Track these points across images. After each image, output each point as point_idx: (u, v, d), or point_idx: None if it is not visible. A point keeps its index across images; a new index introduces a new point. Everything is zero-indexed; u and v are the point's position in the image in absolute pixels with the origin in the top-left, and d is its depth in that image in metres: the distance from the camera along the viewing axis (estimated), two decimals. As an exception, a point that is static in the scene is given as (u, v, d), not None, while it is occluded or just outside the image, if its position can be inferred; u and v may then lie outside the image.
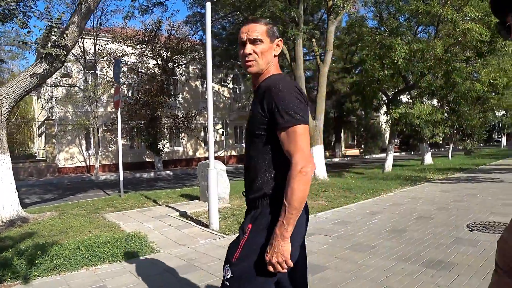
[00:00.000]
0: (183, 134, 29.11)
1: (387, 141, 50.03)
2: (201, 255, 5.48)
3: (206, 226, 7.37)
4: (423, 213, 7.99)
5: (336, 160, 34.98)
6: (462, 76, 19.69)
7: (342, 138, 43.13)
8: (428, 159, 22.48)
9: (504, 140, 45.00)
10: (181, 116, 26.10)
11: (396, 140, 49.33)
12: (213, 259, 5.22)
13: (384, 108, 20.70)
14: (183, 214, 8.79)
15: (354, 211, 8.56)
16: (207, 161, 10.83)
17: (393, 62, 15.94)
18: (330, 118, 37.94)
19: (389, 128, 18.86)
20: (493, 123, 47.31)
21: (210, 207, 7.23)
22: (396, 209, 8.54)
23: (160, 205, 10.18)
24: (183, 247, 5.94)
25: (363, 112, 36.47)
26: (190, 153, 31.81)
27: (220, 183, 10.13)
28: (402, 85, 20.00)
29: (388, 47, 15.76)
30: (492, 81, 18.69)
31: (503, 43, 15.77)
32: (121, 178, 12.26)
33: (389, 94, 19.04)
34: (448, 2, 16.12)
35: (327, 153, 40.84)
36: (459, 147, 34.96)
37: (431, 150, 32.17)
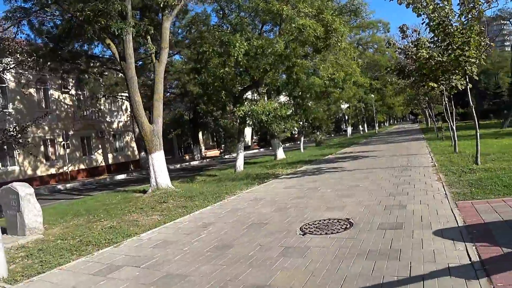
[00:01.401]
0: (18, 151, 24.90)
1: (248, 139, 51.26)
2: None
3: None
4: (259, 218, 7.30)
5: (195, 163, 34.09)
6: (305, 72, 20.42)
7: (201, 140, 42.48)
8: (280, 154, 22.89)
9: (349, 129, 49.67)
10: (11, 129, 22.14)
11: (255, 137, 50.84)
12: None
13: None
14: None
15: (185, 225, 7.50)
16: (9, 185, 8.78)
17: (235, 59, 15.50)
18: (186, 121, 36.88)
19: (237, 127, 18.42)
20: (340, 115, 51.81)
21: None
22: (231, 217, 7.73)
23: None
24: None
25: (220, 112, 36.17)
26: (29, 172, 27.51)
27: (27, 211, 8.19)
28: (249, 82, 19.79)
29: (227, 44, 15.21)
30: (330, 76, 19.66)
31: (336, 39, 16.43)
32: None
33: (235, 92, 18.58)
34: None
35: (187, 157, 39.76)
36: (312, 139, 37.05)
37: (288, 144, 33.27)
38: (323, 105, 27.44)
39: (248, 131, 48.45)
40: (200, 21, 18.11)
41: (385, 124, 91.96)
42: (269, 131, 22.49)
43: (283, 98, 25.27)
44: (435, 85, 13.21)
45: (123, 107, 35.48)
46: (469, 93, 11.41)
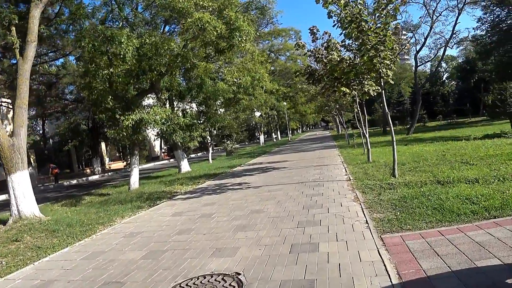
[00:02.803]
0: None
1: (157, 149, 47.97)
2: None
3: None
4: (119, 271, 5.07)
5: (94, 177, 30.36)
6: (210, 76, 18.42)
7: (104, 151, 38.57)
8: (185, 166, 20.57)
9: (262, 138, 48.65)
10: None
11: (164, 147, 47.73)
12: None
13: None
14: None
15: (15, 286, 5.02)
16: None
17: (122, 58, 13.01)
18: (84, 130, 32.99)
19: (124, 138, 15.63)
20: (253, 123, 50.66)
21: None
22: (83, 269, 5.38)
23: None
24: None
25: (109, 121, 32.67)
26: None
27: None
28: (146, 86, 17.27)
29: (111, 40, 12.68)
30: (236, 80, 17.88)
31: (240, 39, 14.62)
32: None
33: (129, 97, 15.86)
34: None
35: (88, 170, 35.66)
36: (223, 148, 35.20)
37: (201, 153, 30.92)
38: (232, 113, 25.67)
39: (157, 141, 45.26)
40: (83, 15, 15.19)
41: (298, 131, 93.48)
42: (171, 142, 20.09)
43: (195, 106, 22.97)
44: (347, 91, 11.98)
45: None
46: (384, 97, 10.20)
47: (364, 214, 6.40)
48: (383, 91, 10.21)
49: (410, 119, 52.74)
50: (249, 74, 18.71)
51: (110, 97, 13.96)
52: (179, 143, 19.74)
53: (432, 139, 21.14)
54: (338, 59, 10.87)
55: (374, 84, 13.21)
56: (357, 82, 12.75)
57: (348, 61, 10.57)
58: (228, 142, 30.40)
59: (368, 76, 12.09)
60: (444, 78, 68.96)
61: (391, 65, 9.49)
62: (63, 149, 35.22)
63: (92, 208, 11.48)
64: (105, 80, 13.95)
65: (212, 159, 27.42)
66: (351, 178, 10.56)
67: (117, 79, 14.22)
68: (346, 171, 12.21)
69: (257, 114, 46.41)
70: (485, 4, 36.45)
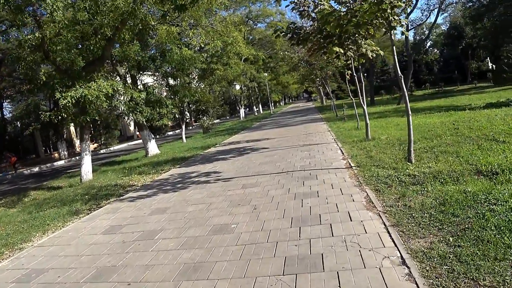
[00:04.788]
0: None
1: (132, 128, 44.78)
2: None
3: None
4: None
5: (60, 163, 27.28)
6: (175, 42, 15.46)
7: (73, 133, 35.36)
8: (153, 148, 17.78)
9: (242, 112, 45.65)
10: None
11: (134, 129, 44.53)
12: None
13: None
14: None
15: None
16: None
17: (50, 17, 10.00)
18: (44, 111, 29.63)
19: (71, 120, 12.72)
20: (232, 97, 47.69)
21: None
22: None
23: None
24: None
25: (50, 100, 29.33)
26: None
27: None
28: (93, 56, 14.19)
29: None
30: (203, 45, 14.96)
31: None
32: None
33: (74, 71, 12.71)
34: None
35: (56, 155, 32.46)
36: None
37: (179, 130, 28.06)
38: (206, 85, 22.76)
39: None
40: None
41: (281, 103, 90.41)
42: (137, 122, 17.23)
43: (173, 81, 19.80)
44: (341, 51, 9.30)
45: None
46: (395, 55, 7.53)
47: (393, 241, 3.89)
48: (393, 47, 7.56)
49: (397, 88, 50.65)
50: (220, 38, 15.69)
51: (43, 71, 10.98)
52: (144, 122, 16.90)
53: (429, 109, 18.79)
54: (330, 10, 8.16)
55: (373, 44, 10.66)
56: (353, 40, 10.15)
57: (343, 11, 7.85)
58: (205, 118, 27.51)
59: (368, 33, 9.51)
60: (427, 46, 66.61)
61: (407, 7, 6.84)
62: (24, 134, 31.85)
63: (24, 213, 8.90)
64: (34, 48, 10.96)
65: (187, 137, 24.65)
66: (351, 164, 8.03)
67: (53, 47, 11.25)
68: (342, 153, 9.67)
69: (237, 87, 43.44)
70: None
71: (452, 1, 36.99)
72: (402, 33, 7.58)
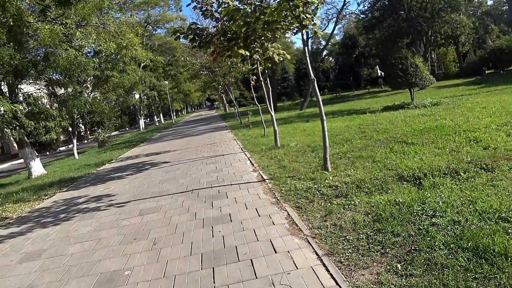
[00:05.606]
0: None
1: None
2: None
3: None
4: None
5: None
6: (58, 43, 13.43)
7: None
8: (37, 168, 15.30)
9: (142, 122, 42.88)
10: None
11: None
12: None
13: None
14: None
15: None
16: None
17: None
18: None
19: None
20: (133, 106, 44.89)
21: None
22: None
23: None
24: None
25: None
26: None
27: None
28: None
29: None
30: (94, 46, 13.22)
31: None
32: None
33: None
34: None
35: None
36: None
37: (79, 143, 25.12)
38: (101, 94, 20.62)
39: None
40: None
41: (183, 112, 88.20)
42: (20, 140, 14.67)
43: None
44: (247, 53, 8.55)
45: None
46: (308, 55, 6.91)
47: (333, 277, 3.09)
48: (305, 47, 6.95)
49: (298, 94, 52.25)
50: (113, 39, 14.00)
51: None
52: (24, 138, 14.49)
53: (332, 113, 19.06)
54: (234, 8, 7.34)
55: (280, 47, 10.15)
56: (259, 43, 9.50)
57: (253, 6, 7.07)
58: (100, 130, 25.05)
59: (274, 35, 8.96)
60: (323, 55, 70.20)
61: (319, 3, 6.24)
62: None
63: None
64: None
65: (80, 153, 22.13)
66: (264, 176, 7.23)
67: None
68: (252, 164, 8.87)
69: (137, 96, 40.96)
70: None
71: (349, 11, 39.48)
72: (315, 32, 6.99)
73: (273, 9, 6.41)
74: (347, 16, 42.62)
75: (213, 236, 4.51)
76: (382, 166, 6.34)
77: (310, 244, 3.77)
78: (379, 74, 49.26)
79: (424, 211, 4.06)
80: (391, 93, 31.96)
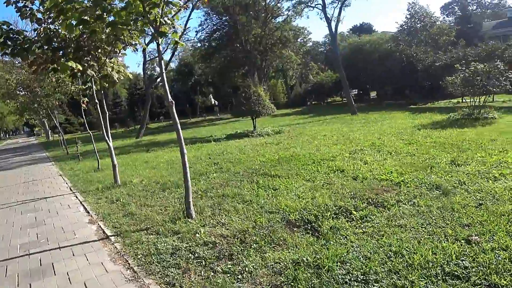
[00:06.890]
0: None
1: None
2: None
3: None
4: None
5: None
6: None
7: None
8: None
9: None
10: None
11: None
12: None
13: None
14: None
15: None
16: None
17: None
18: None
19: None
20: None
21: None
22: None
23: None
24: None
25: None
26: None
27: None
28: None
29: None
30: None
31: None
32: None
33: None
34: None
35: None
36: None
37: None
38: None
39: None
40: None
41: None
42: None
43: None
44: (79, 67, 6.66)
45: None
46: (163, 71, 5.43)
47: None
48: (161, 61, 5.47)
49: (132, 121, 49.27)
50: None
51: None
52: None
53: (173, 142, 17.71)
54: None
55: (121, 64, 8.50)
56: (93, 56, 7.65)
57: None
58: None
59: (114, 49, 7.34)
60: (158, 81, 68.77)
61: (181, 7, 4.90)
62: None
63: None
64: None
65: None
66: (107, 231, 5.36)
67: None
68: (87, 212, 6.77)
69: None
70: (206, 10, 38.90)
71: (187, 38, 39.66)
72: (176, 42, 5.58)
73: (120, 7, 4.82)
74: (185, 43, 42.40)
75: None
76: (259, 208, 5.28)
77: None
78: (213, 102, 50.33)
79: (351, 275, 3.03)
80: (229, 121, 32.36)
